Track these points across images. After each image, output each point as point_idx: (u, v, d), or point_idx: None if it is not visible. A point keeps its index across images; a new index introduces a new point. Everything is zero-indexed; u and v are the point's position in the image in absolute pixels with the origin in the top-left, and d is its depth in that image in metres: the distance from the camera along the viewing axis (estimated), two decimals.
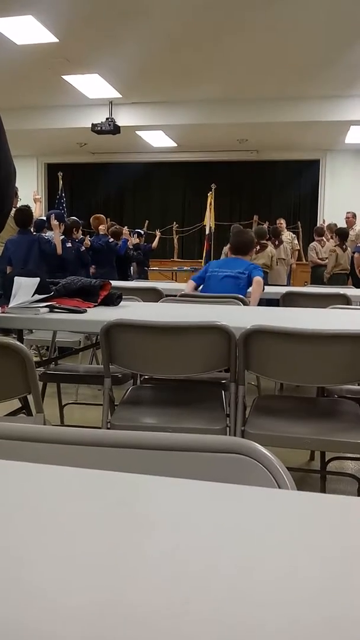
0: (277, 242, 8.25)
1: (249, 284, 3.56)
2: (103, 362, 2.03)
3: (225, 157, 12.74)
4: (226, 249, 8.49)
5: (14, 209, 5.90)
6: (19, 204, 6.45)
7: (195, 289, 3.73)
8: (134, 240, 8.30)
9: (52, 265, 5.40)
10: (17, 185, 5.18)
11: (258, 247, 7.39)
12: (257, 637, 0.38)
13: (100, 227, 6.96)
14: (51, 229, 5.77)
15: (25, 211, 5.56)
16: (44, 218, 6.15)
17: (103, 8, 6.17)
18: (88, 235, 6.83)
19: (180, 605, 0.41)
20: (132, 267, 8.23)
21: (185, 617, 0.40)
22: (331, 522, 0.54)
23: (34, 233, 5.60)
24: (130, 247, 7.78)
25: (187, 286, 3.80)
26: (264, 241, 7.48)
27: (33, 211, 5.87)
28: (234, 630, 0.39)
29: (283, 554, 0.49)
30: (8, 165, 2.04)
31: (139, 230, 8.85)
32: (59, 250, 5.43)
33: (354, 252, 8.36)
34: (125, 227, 8.08)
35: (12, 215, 5.77)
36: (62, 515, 0.56)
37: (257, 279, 3.53)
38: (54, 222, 5.58)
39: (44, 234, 5.72)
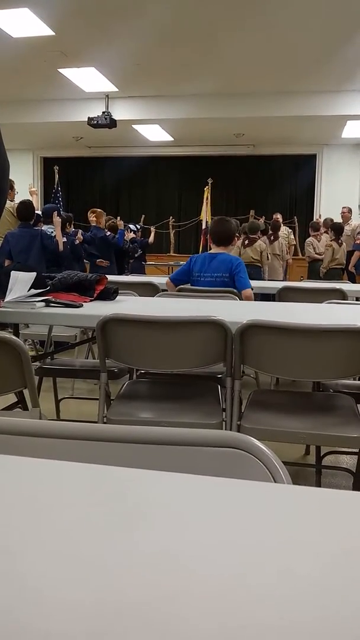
0: (272, 238, 8.25)
1: (233, 284, 3.38)
2: (99, 356, 2.03)
3: (221, 152, 12.71)
4: None
5: (14, 203, 5.90)
6: (16, 197, 6.44)
7: (175, 288, 3.51)
8: (130, 235, 8.27)
9: (48, 260, 5.39)
10: (13, 179, 5.16)
11: (247, 242, 7.39)
12: (253, 629, 0.38)
13: (91, 218, 6.90)
14: (47, 223, 5.74)
15: (28, 205, 5.54)
16: (39, 212, 6.13)
17: (99, 1, 6.14)
18: (81, 230, 6.81)
19: (176, 599, 0.41)
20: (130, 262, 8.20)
21: (181, 610, 0.40)
22: (326, 516, 0.55)
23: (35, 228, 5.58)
24: (127, 240, 7.75)
25: (167, 286, 3.58)
26: (254, 235, 7.47)
27: None
28: (229, 623, 0.39)
29: (279, 548, 0.49)
30: (2, 159, 2.03)
31: (131, 225, 8.83)
32: (61, 247, 5.42)
33: (353, 250, 8.37)
34: (118, 217, 8.04)
35: (12, 208, 5.77)
36: (57, 509, 0.56)
37: (247, 293, 3.32)
38: (57, 219, 5.55)
39: (41, 228, 5.70)
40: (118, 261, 7.21)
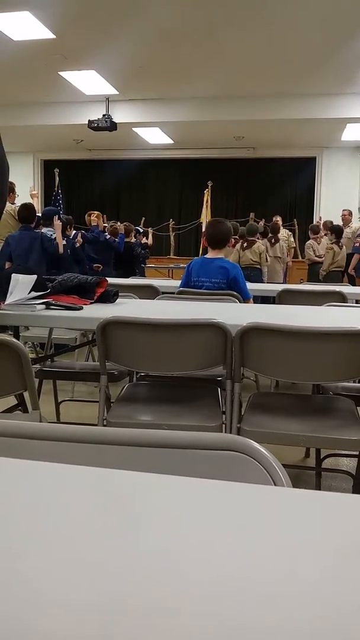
0: (273, 240, 8.26)
1: (230, 289, 3.34)
2: (99, 359, 2.03)
3: (221, 155, 12.73)
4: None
5: (15, 205, 5.91)
6: (17, 200, 6.45)
7: None
8: (143, 239, 8.30)
9: (49, 263, 5.40)
10: (14, 181, 5.16)
11: (245, 244, 7.39)
12: (253, 632, 0.38)
13: (92, 218, 6.93)
14: (47, 226, 5.75)
15: (29, 207, 5.55)
16: (39, 214, 6.14)
17: (100, 4, 6.15)
18: (82, 232, 6.82)
19: (177, 601, 0.41)
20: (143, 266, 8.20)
21: (182, 612, 0.40)
22: (326, 519, 0.55)
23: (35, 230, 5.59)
24: (133, 242, 7.75)
25: None
26: (252, 238, 7.47)
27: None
28: (230, 625, 0.39)
29: (279, 551, 0.49)
30: (1, 161, 2.03)
31: (138, 228, 8.86)
32: (61, 250, 5.43)
33: (353, 252, 8.37)
34: (118, 222, 8.04)
35: (12, 211, 5.77)
36: (58, 512, 0.56)
37: (248, 303, 3.29)
38: (57, 222, 5.56)
39: (42, 231, 5.70)
40: (120, 265, 7.21)
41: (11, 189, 6.14)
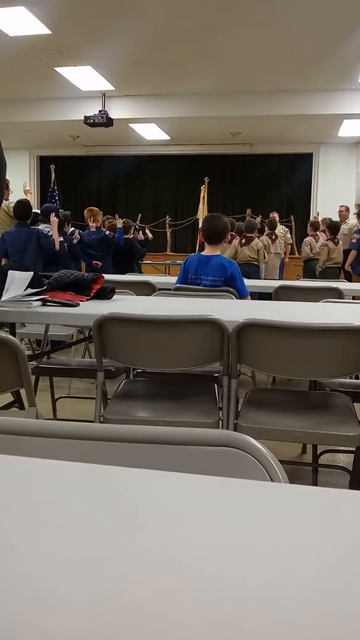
0: (273, 237, 8.27)
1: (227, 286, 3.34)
2: (96, 355, 2.03)
3: (218, 151, 12.71)
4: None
5: (9, 202, 5.89)
6: (10, 197, 6.43)
7: None
8: (139, 236, 8.30)
9: (45, 259, 5.40)
10: (9, 178, 5.16)
11: (244, 241, 7.39)
12: (251, 629, 0.38)
13: (87, 215, 6.92)
14: (44, 222, 5.74)
15: (25, 204, 5.54)
16: (38, 211, 6.13)
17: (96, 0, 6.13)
18: (78, 230, 6.81)
19: (174, 598, 0.41)
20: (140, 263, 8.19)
21: (179, 610, 0.40)
22: (323, 515, 0.55)
23: (32, 227, 5.58)
24: (132, 238, 7.74)
25: None
26: (251, 234, 7.47)
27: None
28: (227, 622, 0.39)
29: (275, 547, 0.49)
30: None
31: (135, 225, 8.86)
32: (57, 247, 5.42)
33: (349, 249, 8.37)
34: (116, 215, 8.01)
35: (6, 207, 5.76)
36: (54, 508, 0.56)
37: (245, 300, 3.29)
38: (54, 219, 5.56)
39: (38, 227, 5.70)
40: (121, 261, 7.19)
41: (5, 185, 6.11)
